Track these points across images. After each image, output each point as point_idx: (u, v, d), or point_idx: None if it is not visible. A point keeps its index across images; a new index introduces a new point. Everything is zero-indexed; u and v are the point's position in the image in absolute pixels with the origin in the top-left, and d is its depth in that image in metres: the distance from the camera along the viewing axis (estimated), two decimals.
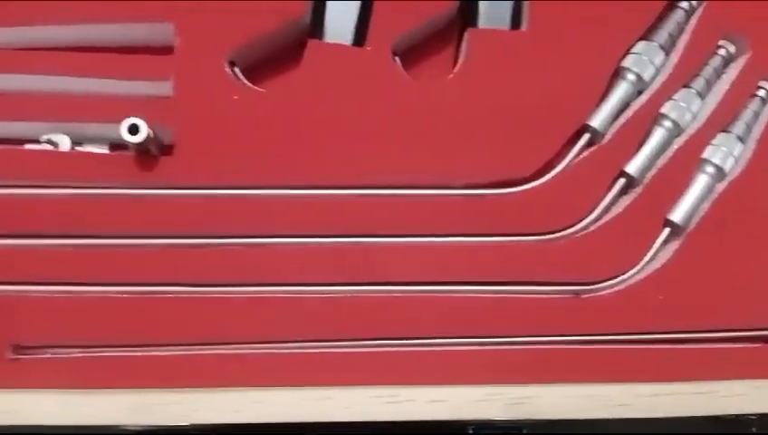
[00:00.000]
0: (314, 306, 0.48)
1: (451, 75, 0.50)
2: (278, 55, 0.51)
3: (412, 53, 0.52)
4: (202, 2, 0.49)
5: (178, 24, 0.49)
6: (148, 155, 0.48)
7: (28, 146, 0.49)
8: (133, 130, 0.45)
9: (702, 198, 0.50)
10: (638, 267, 0.49)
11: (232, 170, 0.48)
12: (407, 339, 0.48)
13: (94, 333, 0.47)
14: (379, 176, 0.48)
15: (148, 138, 0.45)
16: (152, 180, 0.48)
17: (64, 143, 0.48)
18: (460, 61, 0.51)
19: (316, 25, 0.51)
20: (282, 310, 0.47)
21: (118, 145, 0.49)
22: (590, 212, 0.49)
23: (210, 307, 0.47)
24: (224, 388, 0.47)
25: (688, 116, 0.50)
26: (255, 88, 0.49)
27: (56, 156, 0.48)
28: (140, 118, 0.45)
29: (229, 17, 0.49)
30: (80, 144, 0.49)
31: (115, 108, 0.48)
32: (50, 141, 0.48)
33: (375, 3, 0.50)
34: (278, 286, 0.48)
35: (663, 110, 0.50)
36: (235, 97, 0.48)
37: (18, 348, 0.47)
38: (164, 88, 0.48)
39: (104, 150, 0.49)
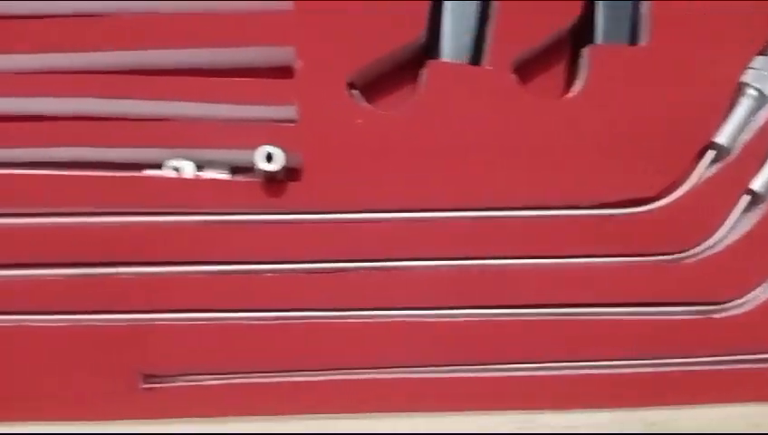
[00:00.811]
0: (445, 331, 0.47)
1: (573, 93, 0.49)
2: (390, 74, 0.51)
3: (521, 69, 0.51)
4: (321, 25, 0.48)
5: (299, 47, 0.48)
6: (275, 180, 0.47)
7: (149, 172, 0.48)
8: (269, 157, 0.45)
9: None
10: (766, 285, 0.48)
11: (360, 194, 0.47)
12: (537, 362, 0.47)
13: (227, 360, 0.47)
14: (505, 196, 0.48)
15: (282, 166, 0.45)
16: (280, 205, 0.47)
17: (188, 169, 0.48)
18: (581, 78, 0.50)
19: (431, 43, 0.50)
20: (417, 335, 0.47)
21: (239, 169, 0.48)
22: (717, 230, 0.48)
23: (342, 333, 0.47)
24: (359, 414, 0.46)
25: None
26: (378, 111, 0.49)
27: (181, 182, 0.48)
28: (275, 146, 0.45)
29: (348, 39, 0.48)
30: (201, 168, 0.49)
31: (239, 133, 0.48)
32: (174, 167, 0.48)
33: (494, 21, 0.50)
34: (409, 310, 0.47)
35: None
36: (359, 120, 0.48)
37: (150, 377, 0.47)
38: (287, 112, 0.48)
39: (226, 176, 0.48)
